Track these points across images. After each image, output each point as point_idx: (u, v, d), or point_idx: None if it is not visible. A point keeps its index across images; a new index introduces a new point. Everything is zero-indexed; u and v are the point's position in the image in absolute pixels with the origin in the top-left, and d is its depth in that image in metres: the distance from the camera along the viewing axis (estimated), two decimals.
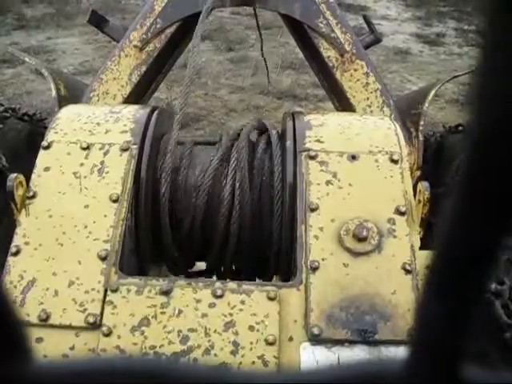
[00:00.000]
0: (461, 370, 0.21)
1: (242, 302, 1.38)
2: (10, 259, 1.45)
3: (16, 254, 1.46)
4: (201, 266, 1.96)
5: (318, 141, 1.64)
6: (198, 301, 1.38)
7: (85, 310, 1.38)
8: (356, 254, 1.44)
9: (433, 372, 0.21)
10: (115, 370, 0.22)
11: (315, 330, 1.34)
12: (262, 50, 3.59)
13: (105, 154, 1.63)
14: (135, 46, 2.60)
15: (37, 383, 0.23)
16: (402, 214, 1.50)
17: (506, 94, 0.18)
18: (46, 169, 1.61)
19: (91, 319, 1.36)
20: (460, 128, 2.77)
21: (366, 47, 2.84)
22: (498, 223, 0.19)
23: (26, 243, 1.47)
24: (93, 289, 1.41)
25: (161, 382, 0.23)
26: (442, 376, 0.21)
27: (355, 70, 2.59)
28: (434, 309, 0.20)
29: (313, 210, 1.51)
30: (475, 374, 0.21)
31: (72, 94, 2.55)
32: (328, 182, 1.56)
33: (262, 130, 1.88)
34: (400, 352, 1.31)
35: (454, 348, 0.21)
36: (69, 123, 1.72)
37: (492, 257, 0.20)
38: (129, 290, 1.40)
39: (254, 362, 1.30)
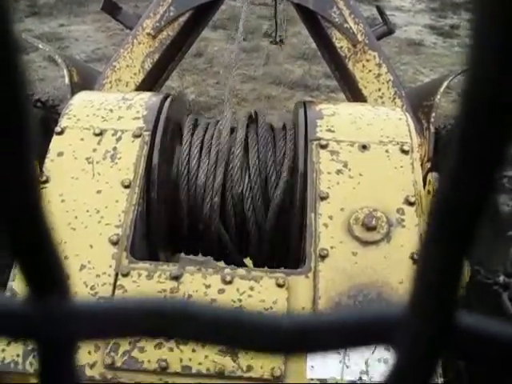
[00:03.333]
0: (457, 315, 0.23)
1: (251, 288, 1.40)
2: None
3: None
4: None
5: (329, 130, 1.65)
6: (208, 286, 1.40)
7: (96, 293, 1.40)
8: (365, 243, 1.45)
9: (430, 315, 0.22)
10: (150, 311, 0.24)
11: None
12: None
13: (117, 140, 1.65)
14: (148, 34, 2.61)
15: (72, 318, 0.24)
16: (412, 204, 1.51)
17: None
18: (59, 154, 1.62)
19: None
20: None
21: (379, 38, 2.83)
22: (487, 182, 0.21)
23: None
24: (104, 273, 1.43)
25: (190, 321, 0.24)
26: (440, 319, 0.22)
27: (367, 61, 2.59)
28: (433, 257, 0.22)
29: (323, 199, 1.52)
30: (470, 319, 0.23)
31: (85, 81, 2.57)
32: (338, 172, 1.57)
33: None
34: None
35: (450, 295, 0.22)
36: (82, 109, 1.74)
37: (482, 209, 0.21)
38: (139, 275, 1.42)
39: None
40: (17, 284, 1.38)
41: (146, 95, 1.83)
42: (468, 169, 0.21)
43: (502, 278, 1.77)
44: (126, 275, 1.42)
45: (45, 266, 0.24)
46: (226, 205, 1.72)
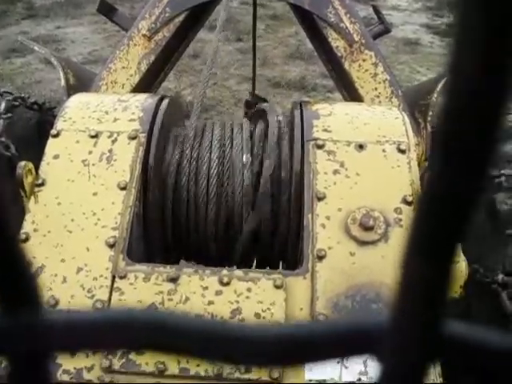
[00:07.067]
0: (442, 324, 0.22)
1: (249, 290, 1.39)
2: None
3: (25, 240, 1.47)
4: None
5: (326, 130, 1.65)
6: (205, 288, 1.40)
7: (93, 296, 1.39)
8: (362, 243, 1.45)
9: (416, 325, 0.22)
10: (121, 321, 0.24)
11: (321, 318, 1.35)
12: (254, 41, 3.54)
13: (113, 142, 1.64)
14: (144, 35, 2.61)
15: (46, 331, 0.24)
16: (409, 203, 1.50)
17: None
18: (55, 157, 1.62)
19: (99, 305, 1.37)
20: None
21: (375, 37, 2.83)
22: (472, 180, 0.20)
23: (35, 230, 1.49)
24: (101, 275, 1.42)
25: (164, 332, 0.24)
26: (424, 330, 0.22)
27: (364, 61, 2.59)
28: (417, 265, 0.21)
29: (320, 199, 1.52)
30: (455, 328, 0.22)
31: (81, 83, 2.56)
32: (335, 172, 1.56)
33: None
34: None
35: (435, 303, 0.21)
36: (77, 111, 1.73)
37: (467, 212, 0.21)
38: (136, 277, 1.41)
39: None
40: None
41: (141, 97, 1.82)
42: (454, 168, 0.20)
43: (500, 277, 1.77)
44: (123, 277, 1.41)
45: (16, 280, 0.24)
46: (220, 208, 1.72)
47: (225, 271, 1.44)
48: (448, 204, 0.20)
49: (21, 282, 0.24)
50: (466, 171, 0.20)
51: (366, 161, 1.59)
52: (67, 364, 1.30)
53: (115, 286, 1.40)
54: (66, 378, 1.30)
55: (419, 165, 1.89)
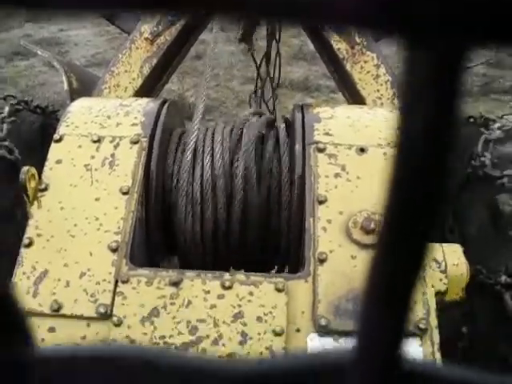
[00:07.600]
0: (401, 362, 0.23)
1: (251, 294, 1.39)
2: (23, 251, 1.47)
3: (28, 245, 1.48)
4: None
5: (327, 133, 1.65)
6: (207, 292, 1.40)
7: (96, 300, 1.40)
8: (364, 246, 1.45)
9: (376, 363, 0.22)
10: (112, 357, 0.24)
11: (322, 322, 1.35)
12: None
13: (115, 146, 1.65)
14: (146, 39, 2.61)
15: (37, 367, 0.24)
16: None
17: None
18: (58, 161, 1.63)
19: (102, 310, 1.38)
20: (471, 119, 2.75)
21: (377, 39, 2.83)
22: (430, 210, 0.21)
23: (39, 235, 1.50)
24: (104, 280, 1.43)
25: (152, 369, 0.24)
26: (385, 366, 0.22)
27: (365, 62, 2.59)
28: (375, 312, 0.22)
29: (321, 203, 1.52)
30: (416, 365, 0.23)
31: (84, 86, 2.57)
32: (336, 175, 1.57)
33: (271, 122, 1.88)
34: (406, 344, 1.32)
35: (393, 344, 0.22)
36: (80, 116, 1.74)
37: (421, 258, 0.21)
38: (139, 281, 1.42)
39: (261, 353, 1.32)
40: None
41: (143, 101, 1.83)
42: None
43: (503, 278, 1.77)
44: (125, 282, 1.42)
45: (8, 318, 0.24)
46: (220, 215, 1.72)
47: (227, 275, 1.44)
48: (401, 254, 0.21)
49: (9, 317, 0.24)
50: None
51: (367, 164, 1.59)
52: None
53: (118, 290, 1.41)
54: None
55: None
